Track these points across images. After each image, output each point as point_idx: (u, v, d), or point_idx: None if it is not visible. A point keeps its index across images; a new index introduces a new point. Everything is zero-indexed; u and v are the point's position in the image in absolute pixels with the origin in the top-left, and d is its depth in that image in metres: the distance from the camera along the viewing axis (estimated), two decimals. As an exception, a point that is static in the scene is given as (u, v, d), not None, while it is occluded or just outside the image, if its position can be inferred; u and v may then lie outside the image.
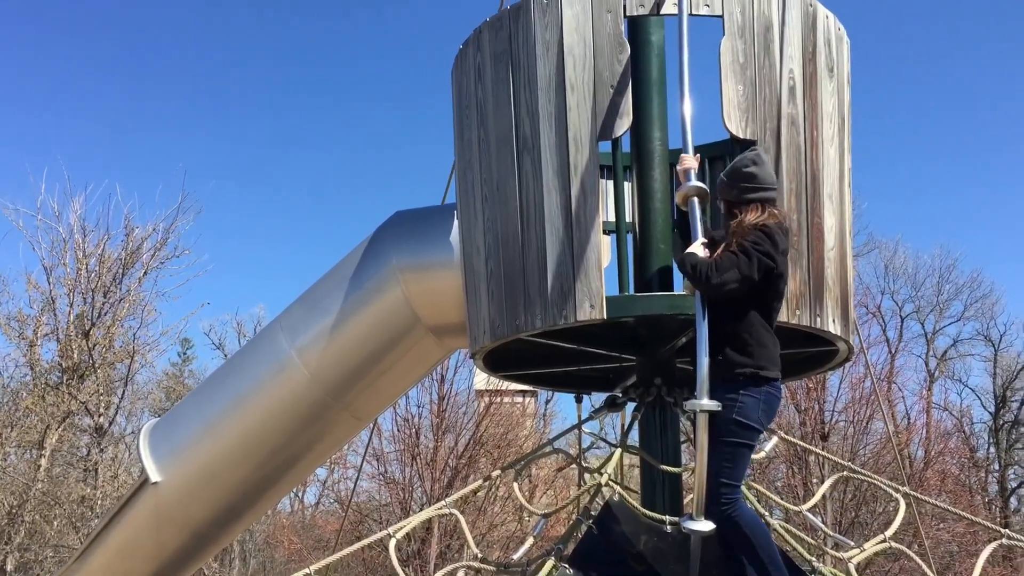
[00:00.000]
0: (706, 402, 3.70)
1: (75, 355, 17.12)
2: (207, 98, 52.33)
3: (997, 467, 31.55)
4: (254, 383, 6.22)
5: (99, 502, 16.99)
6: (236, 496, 6.48)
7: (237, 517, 6.79)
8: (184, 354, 35.69)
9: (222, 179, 54.68)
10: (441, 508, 4.89)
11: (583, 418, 6.04)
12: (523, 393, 26.15)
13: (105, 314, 16.68)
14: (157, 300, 18.00)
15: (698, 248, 4.01)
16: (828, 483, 4.97)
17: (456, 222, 5.65)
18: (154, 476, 6.37)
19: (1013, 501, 32.09)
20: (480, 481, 5.32)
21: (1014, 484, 32.36)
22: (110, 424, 18.17)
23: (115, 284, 16.82)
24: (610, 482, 4.74)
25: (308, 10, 52.51)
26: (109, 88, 50.60)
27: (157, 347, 18.62)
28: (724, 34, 4.69)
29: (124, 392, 18.42)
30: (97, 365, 16.59)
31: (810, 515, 4.82)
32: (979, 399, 33.10)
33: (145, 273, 17.03)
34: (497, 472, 5.39)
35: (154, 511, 6.44)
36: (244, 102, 52.78)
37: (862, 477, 5.35)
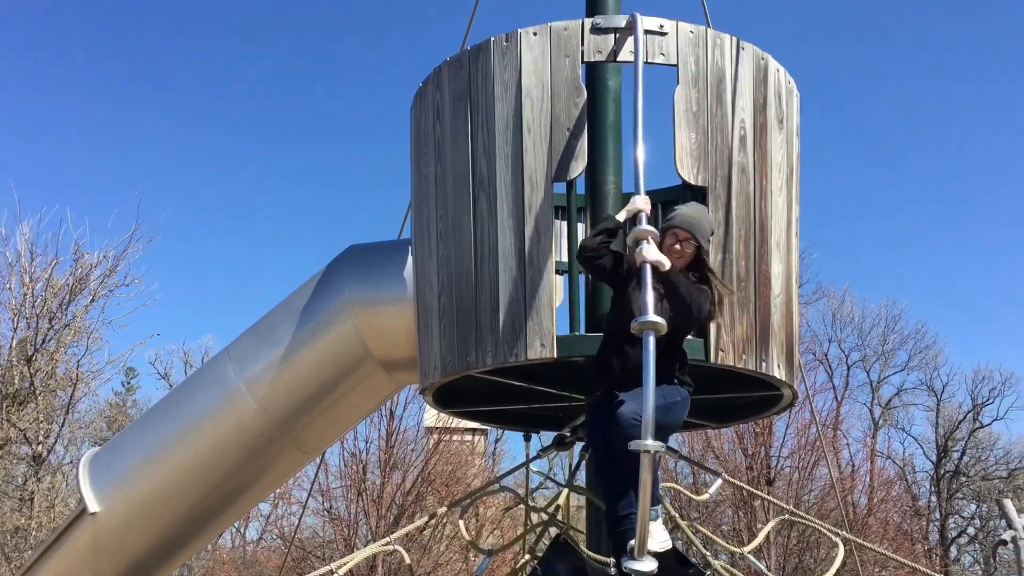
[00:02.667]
0: (650, 443, 3.73)
1: (16, 381, 16.70)
2: (166, 126, 51.90)
3: (938, 516, 32.05)
4: (200, 413, 6.14)
5: (34, 532, 16.49)
6: (177, 528, 6.36)
7: (177, 550, 6.65)
8: (128, 384, 35.04)
9: (177, 207, 53.95)
10: (385, 545, 4.85)
11: (531, 456, 6.05)
12: (473, 431, 26.05)
13: (49, 340, 16.32)
14: (104, 328, 17.67)
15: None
16: (770, 525, 5.03)
17: (410, 257, 5.67)
18: (92, 506, 6.23)
19: (953, 550, 32.59)
20: (426, 518, 5.29)
21: (954, 533, 32.91)
22: (48, 453, 17.71)
23: (61, 310, 16.49)
24: (556, 521, 4.74)
25: (269, 43, 52.54)
26: (67, 112, 49.96)
27: (101, 376, 18.25)
28: (678, 83, 4.80)
29: (65, 420, 17.98)
30: (38, 392, 16.19)
31: (752, 558, 4.87)
32: (921, 448, 33.75)
33: (92, 300, 16.72)
34: (443, 509, 5.37)
35: (92, 542, 6.29)
36: (203, 131, 52.45)
37: (804, 521, 5.42)
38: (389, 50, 53.22)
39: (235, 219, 54.01)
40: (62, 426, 18.05)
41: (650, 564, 3.90)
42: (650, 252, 4.06)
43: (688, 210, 4.43)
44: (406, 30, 52.95)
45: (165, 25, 50.76)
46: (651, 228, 4.14)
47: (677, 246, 4.35)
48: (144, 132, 51.66)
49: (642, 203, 4.25)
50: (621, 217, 4.45)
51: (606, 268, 4.41)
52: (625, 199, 5.09)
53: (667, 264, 4.12)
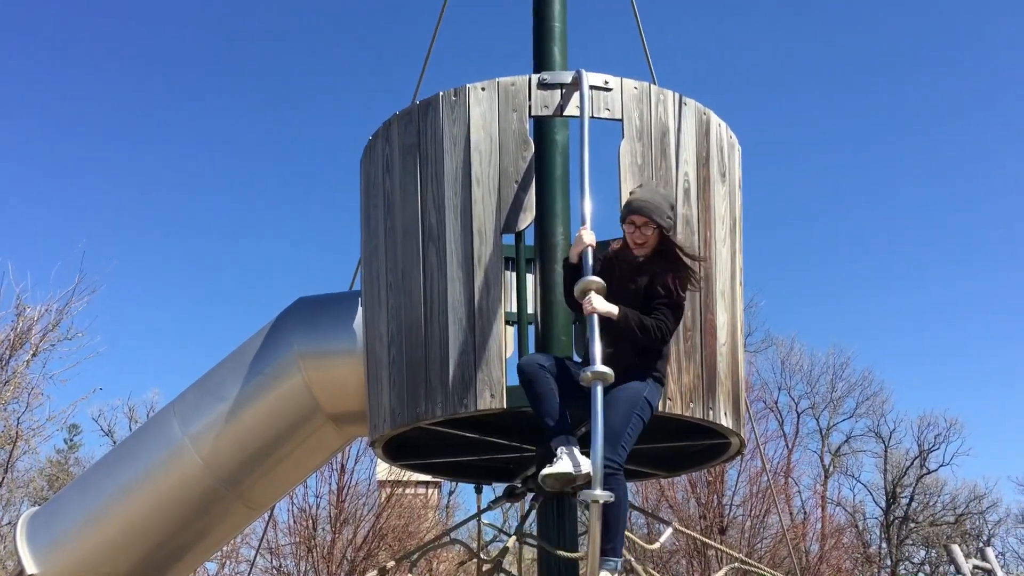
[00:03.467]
0: (598, 492, 3.75)
1: (-49, 439, 16.17)
2: (111, 177, 51.29)
3: (889, 562, 32.30)
4: (143, 470, 6.00)
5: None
6: (119, 590, 6.18)
7: (120, 612, 6.45)
8: (70, 440, 34.08)
9: (123, 260, 53.13)
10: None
11: (482, 508, 6.01)
12: (426, 484, 25.77)
13: (-14, 396, 15.87)
14: (45, 383, 17.22)
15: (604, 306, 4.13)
16: (721, 573, 5.05)
17: (360, 309, 5.67)
18: (30, 568, 6.04)
19: (904, 596, 32.79)
20: (374, 572, 5.21)
21: (905, 579, 33.13)
22: (-15, 513, 17.12)
23: (0, 366, 16.06)
24: (504, 571, 4.70)
25: (218, 97, 52.44)
26: (7, 162, 49.15)
27: (42, 433, 17.74)
28: (623, 137, 4.91)
29: (3, 480, 17.41)
30: (-24, 450, 15.71)
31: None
32: (871, 494, 34.09)
33: (34, 355, 16.33)
34: (391, 563, 5.29)
35: (29, 606, 6.09)
36: (151, 182, 51.91)
37: (755, 569, 5.45)
38: (340, 103, 53.45)
39: (183, 271, 53.32)
40: (0, 485, 17.48)
41: None
42: (599, 304, 4.11)
43: (641, 193, 4.38)
44: (357, 83, 53.26)
45: (110, 71, 50.43)
46: (597, 279, 4.19)
47: (636, 234, 4.33)
48: (88, 182, 51.00)
49: (587, 237, 4.31)
50: (573, 258, 4.46)
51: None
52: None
53: (615, 312, 4.16)
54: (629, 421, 4.22)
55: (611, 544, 4.13)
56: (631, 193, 4.45)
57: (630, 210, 4.34)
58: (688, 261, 4.40)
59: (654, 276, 4.33)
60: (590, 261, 4.31)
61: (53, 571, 6.07)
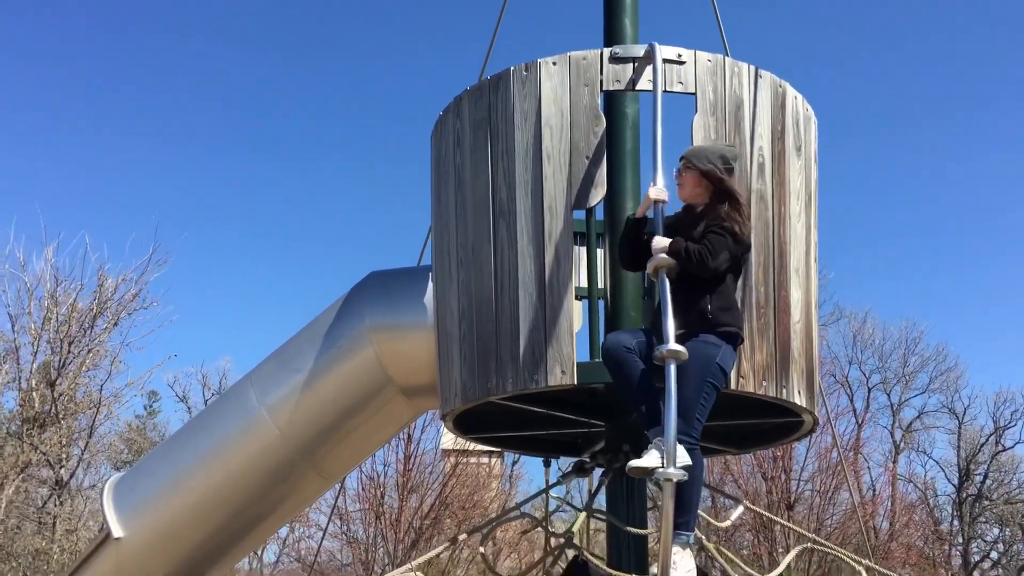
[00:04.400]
0: (672, 471, 3.75)
1: (36, 404, 16.83)
2: (184, 147, 52.32)
3: (961, 540, 31.65)
4: (222, 439, 6.18)
5: (55, 556, 16.56)
6: (198, 554, 6.39)
7: (199, 575, 6.68)
8: (150, 407, 35.17)
9: (194, 230, 54.30)
10: (405, 572, 4.86)
11: (551, 483, 6.06)
12: (489, 454, 26.01)
13: (70, 364, 16.46)
14: (124, 351, 17.80)
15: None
16: (792, 554, 5.02)
17: (431, 284, 5.72)
18: (116, 531, 6.27)
19: (976, 575, 32.14)
20: (445, 544, 5.30)
21: (977, 558, 32.47)
22: (71, 477, 17.81)
23: (82, 334, 16.64)
24: (573, 544, 4.74)
25: (290, 62, 53.01)
26: (82, 136, 50.49)
27: (121, 399, 18.37)
28: (696, 111, 4.84)
29: (87, 444, 18.09)
30: (60, 416, 16.32)
31: (774, 586, 4.85)
32: (943, 471, 33.38)
33: (115, 324, 16.88)
34: (463, 536, 5.38)
35: (115, 567, 6.33)
36: (221, 153, 52.86)
37: (826, 549, 5.39)
38: (414, 76, 53.53)
39: (254, 241, 54.28)
40: (84, 449, 18.16)
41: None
42: (657, 243, 4.21)
43: (695, 145, 4.45)
44: (430, 56, 53.25)
45: (184, 44, 51.26)
46: (671, 260, 4.18)
47: (678, 177, 4.41)
48: (162, 154, 52.11)
49: (655, 193, 4.33)
50: (639, 213, 4.51)
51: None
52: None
53: (666, 244, 4.18)
54: (702, 391, 4.17)
55: (684, 518, 4.14)
56: None
57: (680, 160, 4.42)
58: (736, 194, 4.38)
59: (708, 219, 4.34)
60: (660, 218, 4.34)
61: (137, 535, 6.30)
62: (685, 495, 4.07)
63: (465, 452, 22.22)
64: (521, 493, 27.04)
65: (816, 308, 5.43)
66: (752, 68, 5.02)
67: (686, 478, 3.84)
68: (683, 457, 3.85)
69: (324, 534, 13.39)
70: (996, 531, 33.50)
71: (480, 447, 20.32)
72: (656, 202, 4.33)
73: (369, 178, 53.03)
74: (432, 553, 5.76)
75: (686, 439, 4.02)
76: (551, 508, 6.71)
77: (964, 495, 32.25)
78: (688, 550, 4.14)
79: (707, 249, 4.18)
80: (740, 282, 4.74)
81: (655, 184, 4.37)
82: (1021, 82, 46.85)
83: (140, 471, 6.79)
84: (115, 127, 51.18)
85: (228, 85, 51.80)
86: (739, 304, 4.53)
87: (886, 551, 22.43)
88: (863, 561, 4.84)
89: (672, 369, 3.87)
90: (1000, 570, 32.78)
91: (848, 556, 4.98)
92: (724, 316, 4.28)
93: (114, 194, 52.00)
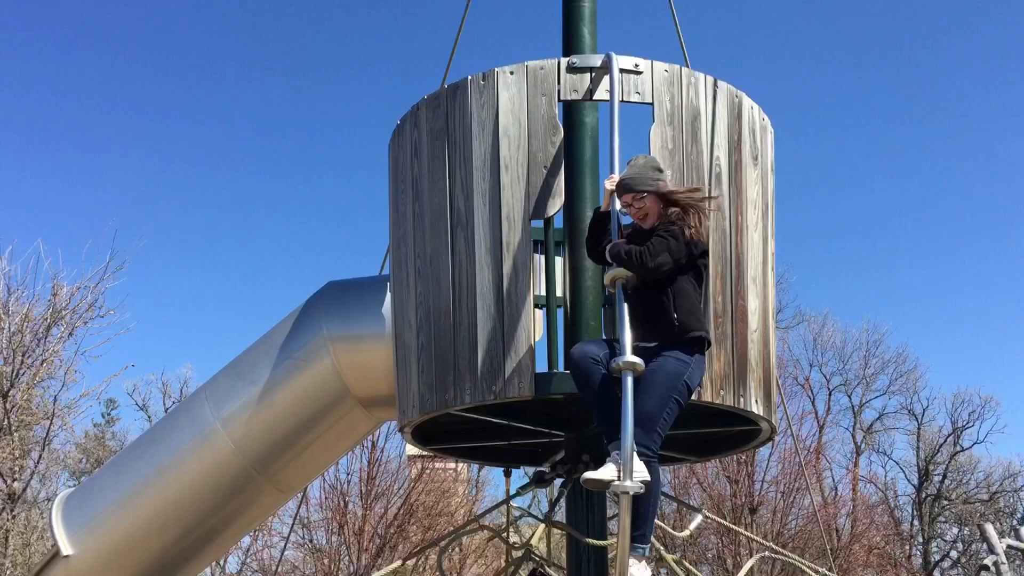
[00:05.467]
0: (629, 484, 3.73)
1: (-11, 416, 16.44)
2: (140, 154, 51.63)
3: (921, 540, 32.08)
4: (175, 453, 6.06)
5: (8, 571, 16.19)
6: (152, 570, 6.26)
7: (152, 592, 6.55)
8: (108, 415, 34.59)
9: (153, 237, 53.42)
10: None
11: (512, 494, 6.02)
12: (456, 459, 25.90)
13: (23, 374, 16.12)
14: (79, 360, 17.46)
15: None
16: (749, 564, 5.02)
17: (389, 294, 5.66)
18: (66, 549, 6.13)
19: (936, 574, 32.58)
20: (400, 561, 5.24)
21: (937, 557, 32.92)
22: (24, 489, 17.43)
23: (36, 344, 16.30)
24: (532, 556, 4.71)
25: (251, 72, 52.54)
26: (37, 141, 49.62)
27: (77, 410, 18.01)
28: (654, 121, 4.84)
29: (41, 456, 17.73)
30: (13, 427, 15.97)
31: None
32: (903, 472, 33.80)
33: (70, 334, 16.56)
34: (414, 551, 5.31)
35: (65, 585, 6.20)
36: (181, 161, 52.19)
37: (783, 557, 5.41)
38: (372, 86, 53.24)
39: (215, 249, 53.64)
40: (38, 461, 17.80)
41: None
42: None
43: (624, 173, 4.40)
44: (389, 66, 53.03)
45: (144, 54, 50.68)
46: (627, 272, 4.17)
47: (633, 210, 4.36)
48: (119, 161, 51.32)
49: (611, 184, 4.40)
50: (604, 206, 4.51)
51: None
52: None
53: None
54: (665, 406, 4.12)
55: (641, 531, 4.11)
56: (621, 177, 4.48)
57: (619, 195, 4.38)
58: (692, 199, 4.33)
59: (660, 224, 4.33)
60: (617, 206, 4.36)
61: (88, 552, 6.16)
62: (642, 508, 4.05)
63: (431, 458, 22.12)
64: (488, 499, 26.93)
65: (773, 317, 5.45)
66: (709, 78, 5.03)
67: (642, 491, 3.82)
68: (640, 471, 3.83)
69: (286, 543, 13.25)
70: (955, 530, 34.02)
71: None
72: (613, 193, 4.38)
73: (333, 186, 52.69)
74: (390, 568, 5.70)
75: (645, 451, 3.99)
76: (515, 517, 6.67)
77: (924, 495, 32.70)
78: (644, 562, 4.12)
79: (647, 250, 4.16)
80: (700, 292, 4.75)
81: (612, 177, 4.41)
82: (983, 84, 47.75)
83: (91, 487, 6.65)
84: (72, 132, 50.39)
85: (188, 94, 51.24)
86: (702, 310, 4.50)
87: (848, 552, 22.65)
88: (819, 569, 4.86)
89: (629, 381, 3.85)
90: (960, 569, 33.27)
91: (805, 564, 4.99)
92: (691, 321, 4.24)
93: (70, 201, 51.13)
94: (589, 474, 3.90)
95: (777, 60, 49.47)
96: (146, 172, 51.06)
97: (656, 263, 4.15)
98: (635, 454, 3.81)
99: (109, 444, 30.87)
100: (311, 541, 20.40)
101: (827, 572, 4.89)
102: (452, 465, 25.77)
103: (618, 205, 4.40)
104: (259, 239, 53.41)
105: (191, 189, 52.45)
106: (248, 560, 25.59)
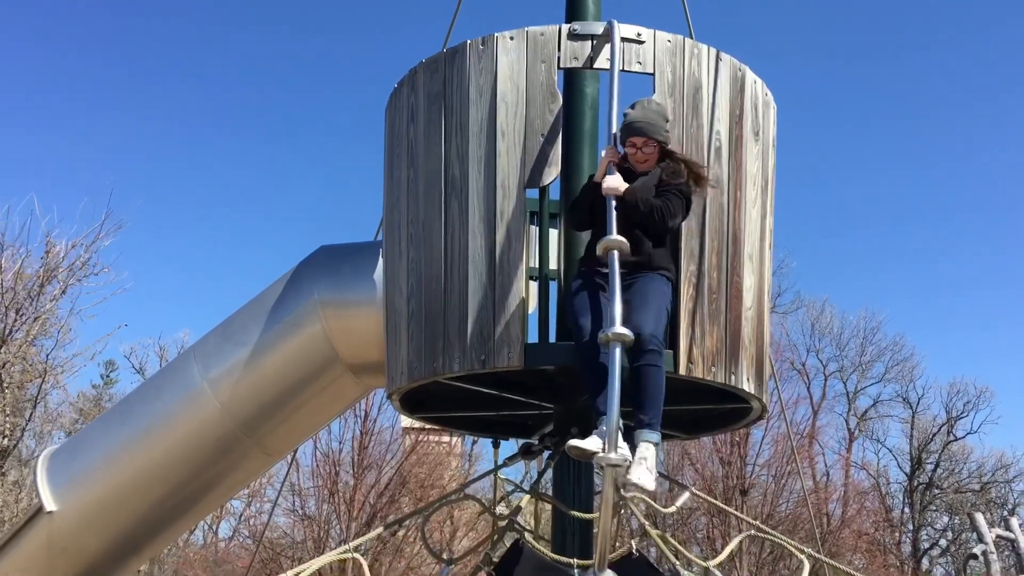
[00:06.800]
0: (613, 456, 3.69)
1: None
2: (141, 114, 51.32)
3: (911, 527, 32.22)
4: (162, 413, 6.03)
5: (-2, 527, 16.24)
6: (136, 529, 6.25)
7: (136, 551, 6.54)
8: (107, 377, 34.63)
9: (151, 197, 53.11)
10: (343, 553, 4.77)
11: (499, 464, 5.99)
12: (450, 432, 25.95)
13: (16, 331, 16.06)
14: (73, 319, 17.41)
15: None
16: (735, 542, 5.00)
17: (381, 260, 5.60)
18: (49, 505, 6.11)
19: (925, 562, 32.76)
20: (380, 529, 5.22)
21: (926, 545, 33.09)
22: (15, 446, 17.44)
23: (29, 301, 16.22)
24: (517, 527, 4.68)
25: (247, 34, 52.17)
26: (35, 98, 49.32)
27: (70, 369, 17.99)
28: (655, 92, 4.76)
29: (32, 414, 17.72)
30: (5, 385, 15.95)
31: (717, 572, 4.83)
32: (896, 460, 33.91)
33: (63, 292, 16.48)
34: (392, 518, 5.29)
35: (47, 542, 6.17)
36: (179, 122, 51.91)
37: (769, 537, 5.39)
38: (373, 49, 52.90)
39: (212, 213, 53.43)
40: (29, 419, 17.79)
41: None
42: (614, 180, 4.29)
43: (636, 113, 4.46)
44: (389, 29, 52.64)
45: (140, 13, 50.23)
46: (619, 238, 4.10)
47: (638, 154, 4.43)
48: (117, 120, 51.08)
49: (610, 154, 4.41)
50: (599, 176, 4.47)
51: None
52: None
53: (621, 189, 4.28)
54: (662, 310, 4.33)
55: (648, 417, 4.13)
56: (626, 115, 4.48)
57: (629, 132, 4.44)
58: (702, 172, 4.55)
59: (663, 171, 4.45)
60: (613, 210, 4.28)
61: (71, 509, 6.15)
62: (652, 392, 4.12)
63: (425, 430, 22.13)
64: (480, 472, 27.01)
65: (769, 295, 5.40)
66: (712, 50, 4.95)
67: (627, 464, 3.78)
68: (624, 448, 3.79)
69: (273, 508, 13.28)
70: (945, 519, 34.18)
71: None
72: (611, 164, 4.38)
73: (334, 150, 52.46)
74: (366, 537, 5.70)
75: (654, 338, 4.14)
76: (507, 492, 6.65)
77: (915, 483, 32.81)
78: (655, 449, 4.08)
79: (668, 209, 4.35)
80: (694, 267, 4.71)
81: (611, 146, 4.43)
82: (986, 80, 47.44)
83: (77, 443, 6.62)
84: (69, 90, 50.09)
85: (187, 54, 50.91)
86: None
87: (838, 537, 22.74)
88: (805, 549, 4.83)
89: (617, 353, 3.80)
90: (949, 558, 33.44)
91: (791, 544, 4.97)
92: (663, 260, 4.49)
93: (66, 158, 50.88)
94: (574, 442, 3.87)
95: (785, 44, 49.11)
96: (144, 131, 50.89)
97: (673, 223, 4.43)
98: (620, 430, 3.77)
99: (107, 406, 30.92)
100: (302, 509, 20.44)
101: (812, 552, 4.87)
102: (446, 438, 25.82)
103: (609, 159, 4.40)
104: (258, 203, 53.32)
105: (190, 151, 52.26)
106: (239, 526, 25.75)
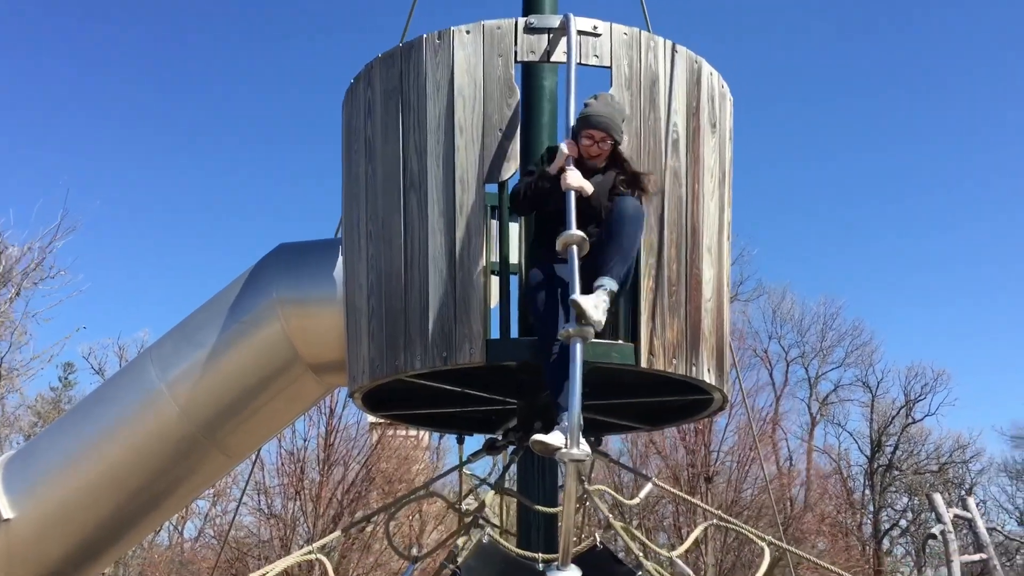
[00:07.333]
0: (576, 451, 3.70)
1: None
2: (97, 115, 50.43)
3: (872, 509, 32.75)
4: (119, 416, 5.93)
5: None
6: (96, 534, 6.14)
7: (95, 557, 6.42)
8: (66, 379, 34.07)
9: (107, 199, 52.13)
10: (307, 554, 4.73)
11: (463, 461, 5.98)
12: (417, 426, 25.84)
13: (-32, 335, 15.77)
14: (29, 322, 17.10)
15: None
16: (697, 531, 5.04)
17: (341, 257, 5.55)
18: (6, 513, 5.99)
19: (886, 542, 33.35)
20: (338, 532, 5.19)
21: (887, 526, 33.64)
22: (-30, 451, 17.10)
23: (-18, 305, 15.94)
24: (482, 522, 4.68)
25: (205, 31, 51.44)
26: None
27: (27, 372, 17.67)
28: (612, 85, 4.76)
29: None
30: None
31: (679, 562, 4.86)
32: (856, 443, 34.43)
33: (17, 294, 16.17)
34: (359, 514, 5.26)
35: (5, 550, 6.04)
36: (136, 121, 51.06)
37: (731, 526, 5.44)
38: (327, 46, 52.40)
39: (171, 212, 52.68)
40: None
41: (575, 573, 3.86)
42: (574, 178, 4.28)
43: (598, 106, 4.46)
44: (344, 26, 52.16)
45: (93, 14, 49.34)
46: (581, 233, 4.10)
47: (595, 147, 4.43)
48: (72, 120, 50.15)
49: (567, 148, 4.41)
50: (554, 170, 4.48)
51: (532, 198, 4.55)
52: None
53: (588, 189, 4.32)
54: (636, 243, 4.42)
55: (614, 265, 4.27)
56: (587, 106, 4.47)
57: (589, 124, 4.42)
58: (650, 186, 4.58)
59: (616, 176, 4.49)
60: (572, 203, 4.27)
61: (29, 516, 6.03)
62: (626, 245, 4.27)
63: (392, 425, 22.05)
64: (449, 466, 26.98)
65: (728, 287, 5.43)
66: (668, 43, 4.96)
67: (589, 459, 3.79)
68: (585, 445, 3.80)
69: (238, 508, 13.15)
70: (905, 500, 34.77)
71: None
72: (569, 156, 4.37)
73: (292, 146, 51.93)
74: (329, 537, 5.66)
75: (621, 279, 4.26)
76: (475, 486, 6.63)
77: (876, 466, 33.34)
78: (607, 295, 4.15)
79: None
80: (654, 260, 4.74)
81: (569, 140, 4.42)
82: (937, 63, 48.18)
83: (33, 448, 6.49)
84: (24, 90, 49.07)
85: (141, 55, 50.07)
86: None
87: (801, 522, 23.05)
88: (766, 537, 4.88)
89: (578, 348, 3.80)
90: (909, 538, 34.06)
91: (752, 532, 5.02)
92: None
93: (21, 161, 49.86)
94: (538, 436, 3.87)
95: (739, 30, 49.47)
96: (99, 132, 50.04)
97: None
98: (581, 421, 3.77)
99: (65, 408, 30.41)
100: (268, 507, 20.28)
101: (772, 540, 4.92)
102: (413, 433, 25.76)
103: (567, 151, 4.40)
104: (216, 202, 52.65)
105: (146, 151, 51.45)
106: (205, 526, 25.50)
